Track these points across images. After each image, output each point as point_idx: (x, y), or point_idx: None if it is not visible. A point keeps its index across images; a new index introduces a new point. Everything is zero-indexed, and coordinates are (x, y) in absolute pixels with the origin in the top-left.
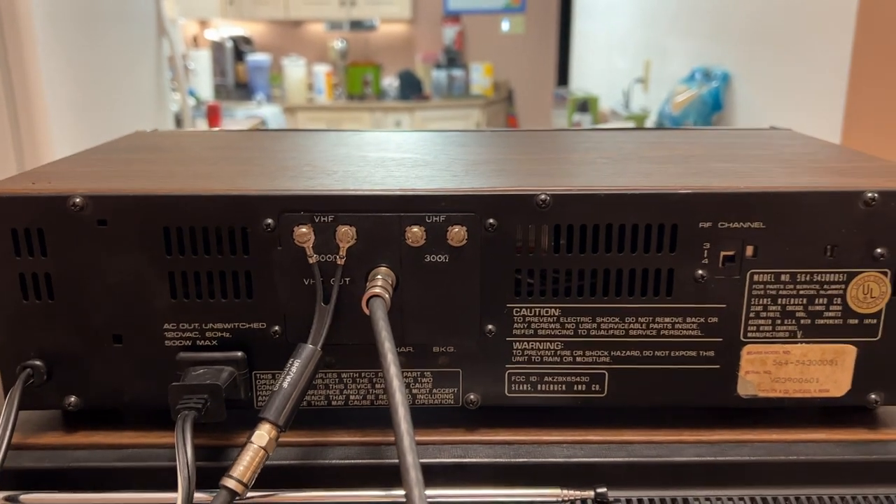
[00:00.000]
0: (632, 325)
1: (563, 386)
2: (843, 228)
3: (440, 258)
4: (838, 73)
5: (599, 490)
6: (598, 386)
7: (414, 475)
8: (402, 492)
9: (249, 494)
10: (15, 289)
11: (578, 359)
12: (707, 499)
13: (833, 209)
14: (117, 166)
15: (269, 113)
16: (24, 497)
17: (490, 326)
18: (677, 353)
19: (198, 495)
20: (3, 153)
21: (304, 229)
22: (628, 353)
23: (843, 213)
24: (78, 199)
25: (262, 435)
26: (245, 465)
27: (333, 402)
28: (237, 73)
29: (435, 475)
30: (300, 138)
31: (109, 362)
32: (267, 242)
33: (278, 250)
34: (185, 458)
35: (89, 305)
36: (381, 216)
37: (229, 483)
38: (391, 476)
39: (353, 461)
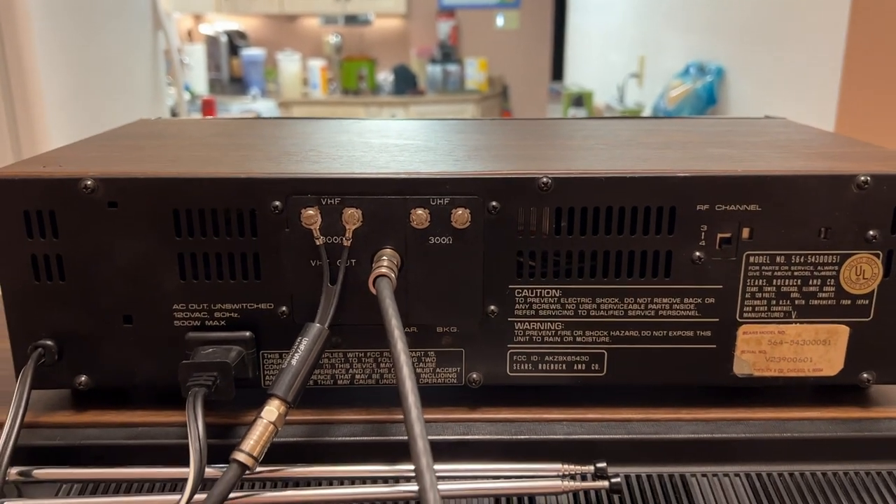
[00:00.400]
0: (630, 306)
1: (564, 365)
2: (836, 211)
3: (444, 240)
4: (832, 69)
5: (599, 465)
6: (597, 365)
7: (422, 444)
8: (406, 466)
9: (258, 469)
10: (27, 270)
11: (578, 339)
12: (703, 475)
13: (827, 192)
14: (126, 151)
15: (264, 107)
16: (36, 472)
17: (492, 307)
18: (675, 333)
19: (208, 471)
20: (1, 146)
21: (311, 211)
22: (627, 333)
23: (836, 196)
24: (89, 182)
25: (272, 410)
26: (255, 439)
27: (339, 382)
28: (232, 68)
29: (439, 452)
30: (302, 126)
31: (119, 342)
32: (275, 224)
33: (286, 232)
34: (196, 432)
35: (100, 286)
36: (386, 199)
37: (240, 456)
38: (395, 451)
39: (358, 438)
